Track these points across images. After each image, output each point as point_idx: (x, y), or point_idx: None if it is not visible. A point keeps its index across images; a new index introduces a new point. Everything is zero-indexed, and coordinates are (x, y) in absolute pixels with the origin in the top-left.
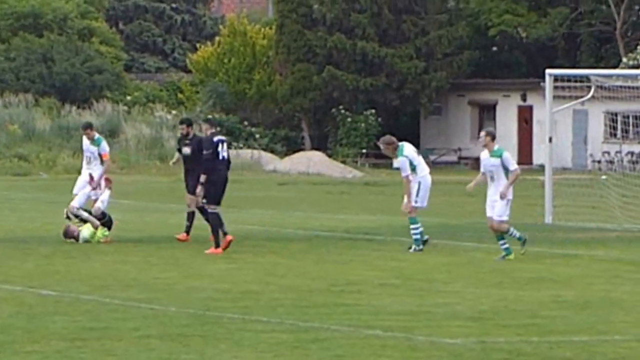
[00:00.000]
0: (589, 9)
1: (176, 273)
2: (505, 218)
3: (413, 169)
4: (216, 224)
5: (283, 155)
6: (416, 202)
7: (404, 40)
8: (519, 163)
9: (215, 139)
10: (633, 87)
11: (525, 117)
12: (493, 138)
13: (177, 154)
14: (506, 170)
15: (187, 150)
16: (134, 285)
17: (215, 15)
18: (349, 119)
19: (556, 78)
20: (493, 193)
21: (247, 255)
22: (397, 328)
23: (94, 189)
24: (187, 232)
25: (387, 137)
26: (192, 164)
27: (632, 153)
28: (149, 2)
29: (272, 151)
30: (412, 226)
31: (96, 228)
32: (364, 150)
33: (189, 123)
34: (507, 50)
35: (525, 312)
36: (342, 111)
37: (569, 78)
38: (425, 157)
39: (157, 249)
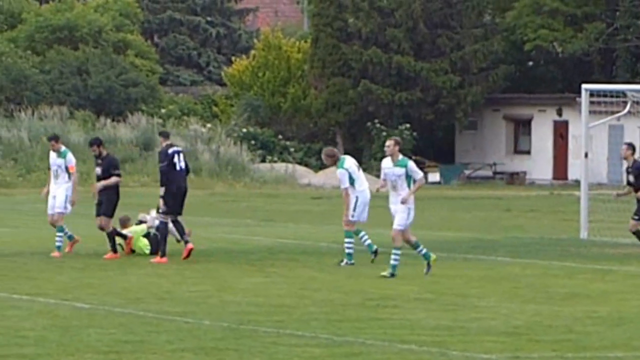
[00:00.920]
0: (625, 24)
1: (210, 286)
2: (402, 228)
3: (352, 182)
4: (164, 234)
5: (317, 169)
6: (353, 216)
7: (439, 55)
8: (554, 178)
9: (170, 150)
10: None
11: (561, 132)
12: (400, 148)
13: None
14: (409, 179)
15: (98, 170)
16: (168, 299)
17: (250, 29)
18: (384, 133)
19: (592, 93)
20: (395, 202)
21: (281, 269)
22: (431, 343)
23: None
24: (114, 250)
25: (329, 149)
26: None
27: None
28: (184, 15)
29: (307, 165)
30: (346, 240)
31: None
32: None
33: (98, 143)
34: (542, 65)
35: (559, 327)
36: (377, 125)
37: (604, 93)
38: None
39: (191, 262)
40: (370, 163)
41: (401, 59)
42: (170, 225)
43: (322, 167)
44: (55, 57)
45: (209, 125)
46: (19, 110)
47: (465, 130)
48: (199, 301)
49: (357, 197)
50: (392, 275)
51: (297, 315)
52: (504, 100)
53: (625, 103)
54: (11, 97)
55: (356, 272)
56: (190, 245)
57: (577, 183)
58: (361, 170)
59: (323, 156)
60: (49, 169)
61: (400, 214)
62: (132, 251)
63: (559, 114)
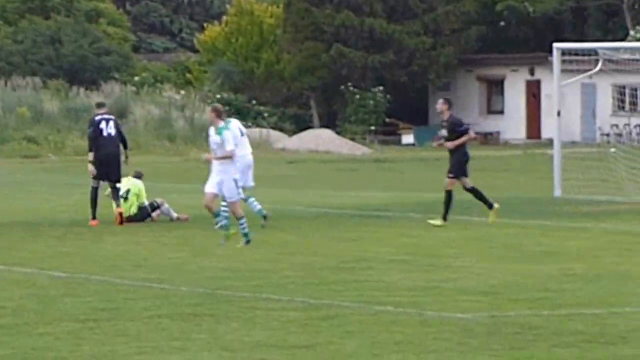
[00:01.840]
0: None
1: (187, 253)
2: (235, 199)
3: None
4: (93, 197)
5: (292, 133)
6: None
7: (411, 17)
8: (528, 137)
9: (97, 118)
10: None
11: (533, 92)
12: (219, 114)
13: None
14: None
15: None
16: (144, 266)
17: None
18: (358, 96)
19: (564, 52)
20: (218, 171)
21: (257, 233)
22: (407, 304)
23: None
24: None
25: (217, 105)
26: None
27: None
28: None
29: (281, 129)
30: (222, 203)
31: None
32: (372, 127)
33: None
34: (514, 24)
35: (535, 285)
36: (351, 88)
37: (576, 52)
38: (434, 134)
39: (167, 229)
40: (344, 127)
41: (373, 21)
42: (166, 206)
43: (295, 131)
44: (27, 27)
45: (182, 91)
46: None
47: (438, 92)
48: (175, 268)
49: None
50: (248, 242)
51: (274, 279)
52: (476, 61)
53: (597, 61)
54: None
55: (332, 236)
56: (120, 209)
57: (550, 142)
58: (245, 136)
59: (209, 111)
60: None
61: (229, 186)
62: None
63: (531, 73)
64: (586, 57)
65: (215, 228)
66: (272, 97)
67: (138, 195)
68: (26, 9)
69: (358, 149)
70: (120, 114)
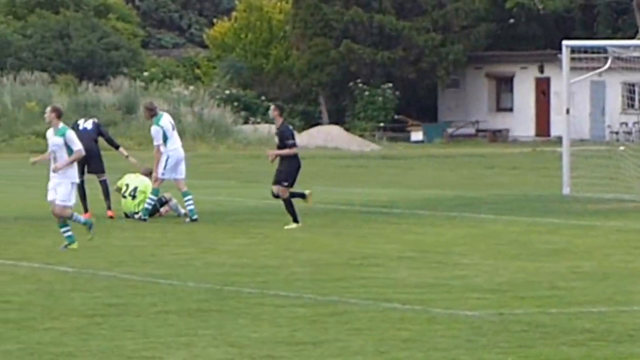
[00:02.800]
0: None
1: (194, 249)
2: (69, 203)
3: (165, 140)
4: (81, 192)
5: (301, 129)
6: (163, 174)
7: (420, 13)
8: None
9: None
10: None
11: (542, 89)
12: (59, 115)
13: None
14: (70, 150)
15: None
16: (152, 262)
17: None
18: (367, 93)
19: (573, 49)
20: (57, 175)
21: (265, 230)
22: (415, 301)
23: None
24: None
25: (149, 102)
26: None
27: None
28: None
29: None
30: (150, 196)
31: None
32: (381, 124)
33: None
34: (524, 22)
35: (543, 283)
36: (360, 85)
37: (585, 49)
38: (442, 130)
39: (174, 224)
40: (353, 123)
41: (383, 18)
42: (174, 201)
43: (304, 127)
44: (36, 22)
45: (191, 87)
46: (1, 76)
47: (447, 89)
48: (182, 263)
49: (168, 156)
50: (67, 245)
51: (282, 275)
52: (485, 58)
53: (606, 59)
54: None
55: (340, 232)
56: (110, 213)
57: (559, 139)
58: (175, 130)
59: (142, 108)
60: None
61: (64, 189)
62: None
63: (541, 70)
64: (595, 55)
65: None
66: (281, 93)
67: (145, 193)
68: (35, 3)
69: (367, 146)
70: (129, 110)
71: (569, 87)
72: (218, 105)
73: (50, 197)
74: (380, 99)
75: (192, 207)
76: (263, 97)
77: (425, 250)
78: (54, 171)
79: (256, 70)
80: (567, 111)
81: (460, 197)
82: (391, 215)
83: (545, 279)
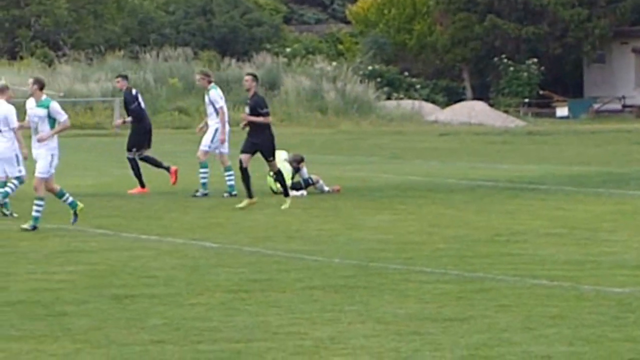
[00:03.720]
0: None
1: (339, 224)
2: (47, 175)
3: (216, 113)
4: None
5: (444, 105)
6: (209, 147)
7: None
8: None
9: (134, 91)
10: None
11: None
12: (41, 87)
13: None
14: (53, 121)
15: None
16: (296, 237)
17: None
18: (511, 68)
19: None
20: (37, 147)
21: (410, 206)
22: (563, 277)
23: None
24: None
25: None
26: None
27: None
28: None
29: (433, 102)
30: (201, 170)
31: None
32: (526, 100)
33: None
34: None
35: None
36: (504, 60)
37: None
38: (588, 106)
39: (318, 200)
40: (497, 99)
41: None
42: (321, 182)
43: (448, 103)
44: None
45: (334, 63)
46: (144, 52)
47: (593, 64)
48: (327, 239)
49: (216, 129)
50: (34, 227)
51: (427, 252)
52: (632, 33)
53: None
54: (136, 39)
55: (486, 209)
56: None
57: None
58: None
59: (198, 76)
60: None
61: (43, 161)
62: None
63: None
64: None
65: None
66: (424, 69)
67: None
68: None
69: (511, 122)
70: (272, 86)
71: None
72: (361, 82)
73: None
74: (525, 74)
75: (232, 182)
76: (406, 73)
77: (573, 227)
78: (39, 141)
79: (399, 45)
80: None
81: (607, 173)
82: (538, 192)
83: None
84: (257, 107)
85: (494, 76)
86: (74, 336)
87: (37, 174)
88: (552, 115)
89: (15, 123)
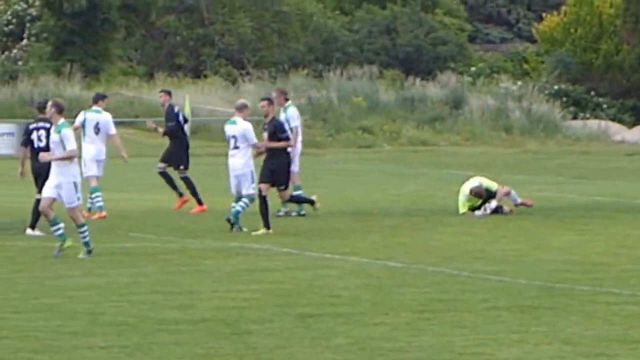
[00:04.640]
0: None
1: (524, 245)
2: (76, 204)
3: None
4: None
5: (631, 125)
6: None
7: None
8: None
9: (176, 109)
10: None
11: None
12: (59, 110)
13: None
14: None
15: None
16: (481, 257)
17: None
18: None
19: None
20: (56, 173)
21: (597, 226)
22: None
23: None
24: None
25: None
26: None
27: None
28: None
29: (620, 121)
30: (295, 192)
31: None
32: None
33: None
34: None
35: None
36: None
37: None
38: None
39: (503, 221)
40: None
41: None
42: (513, 193)
43: (635, 123)
44: (363, 17)
45: (519, 82)
46: (328, 71)
47: None
48: (513, 260)
49: (298, 149)
50: (89, 252)
51: (614, 273)
52: None
53: None
54: (320, 58)
55: None
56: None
57: None
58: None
59: (275, 92)
60: None
61: (68, 190)
62: None
63: None
64: None
65: (54, 233)
66: (611, 88)
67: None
68: None
69: None
70: (456, 105)
71: None
72: (547, 101)
73: (45, 193)
74: None
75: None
76: (593, 93)
77: None
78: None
79: (585, 65)
80: None
81: None
82: None
83: None
84: (277, 132)
85: None
86: (259, 355)
87: (67, 207)
88: None
89: (254, 139)
